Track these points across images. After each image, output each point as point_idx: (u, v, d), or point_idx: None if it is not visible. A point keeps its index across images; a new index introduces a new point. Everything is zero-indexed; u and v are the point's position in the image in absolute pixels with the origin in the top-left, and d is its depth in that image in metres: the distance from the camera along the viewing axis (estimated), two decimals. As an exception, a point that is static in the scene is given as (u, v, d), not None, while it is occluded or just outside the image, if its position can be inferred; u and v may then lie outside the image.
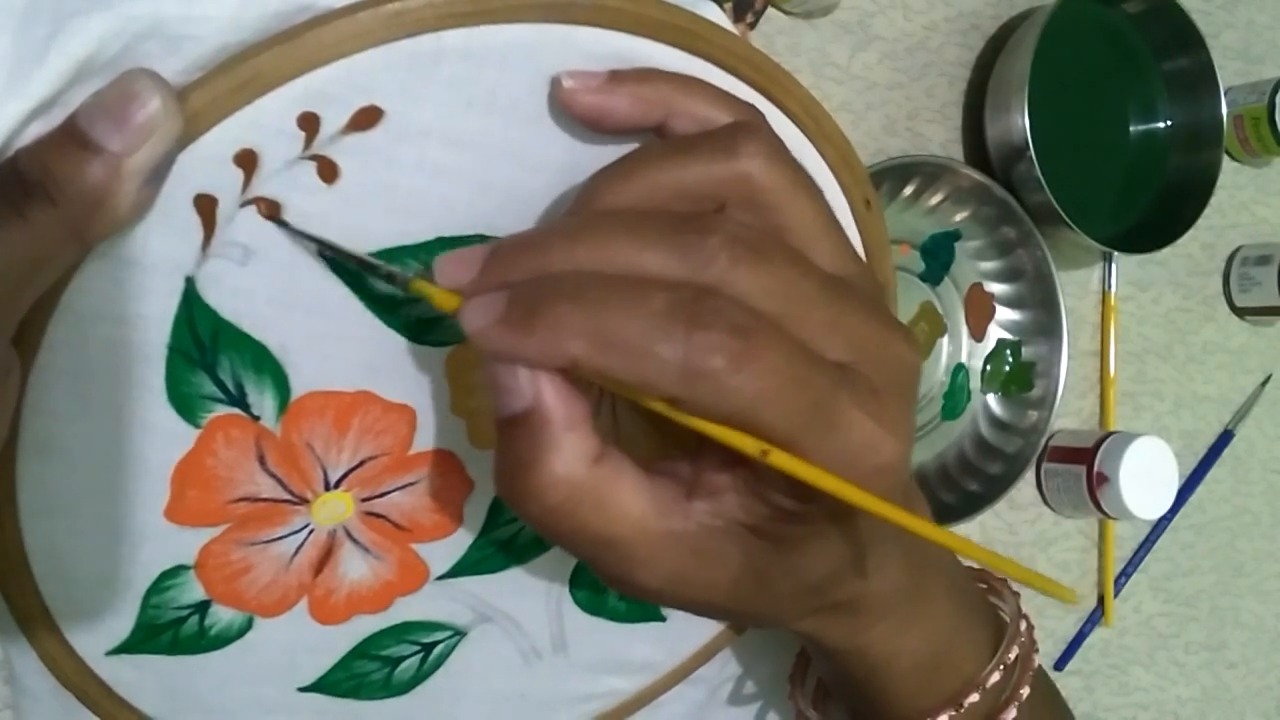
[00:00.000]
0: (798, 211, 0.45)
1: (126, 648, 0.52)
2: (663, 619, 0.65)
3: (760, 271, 0.40)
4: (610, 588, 0.47)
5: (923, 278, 1.04)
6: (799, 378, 0.39)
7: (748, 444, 0.40)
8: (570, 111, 0.47)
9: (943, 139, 1.05)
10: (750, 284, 0.40)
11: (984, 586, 0.64)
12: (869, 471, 0.41)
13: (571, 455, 0.41)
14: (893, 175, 0.97)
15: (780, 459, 0.40)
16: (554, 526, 0.42)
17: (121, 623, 0.51)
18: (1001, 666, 0.57)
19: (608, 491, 0.42)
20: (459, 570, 0.57)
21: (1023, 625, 0.59)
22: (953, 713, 0.56)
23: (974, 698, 0.56)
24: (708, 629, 0.67)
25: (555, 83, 0.46)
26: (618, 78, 0.47)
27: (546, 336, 0.39)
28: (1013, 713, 0.57)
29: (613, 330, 0.38)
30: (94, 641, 0.51)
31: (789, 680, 0.68)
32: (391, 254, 0.47)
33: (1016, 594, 0.62)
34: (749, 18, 0.92)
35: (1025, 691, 0.57)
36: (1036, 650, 0.59)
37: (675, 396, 0.39)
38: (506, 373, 0.41)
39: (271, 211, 0.45)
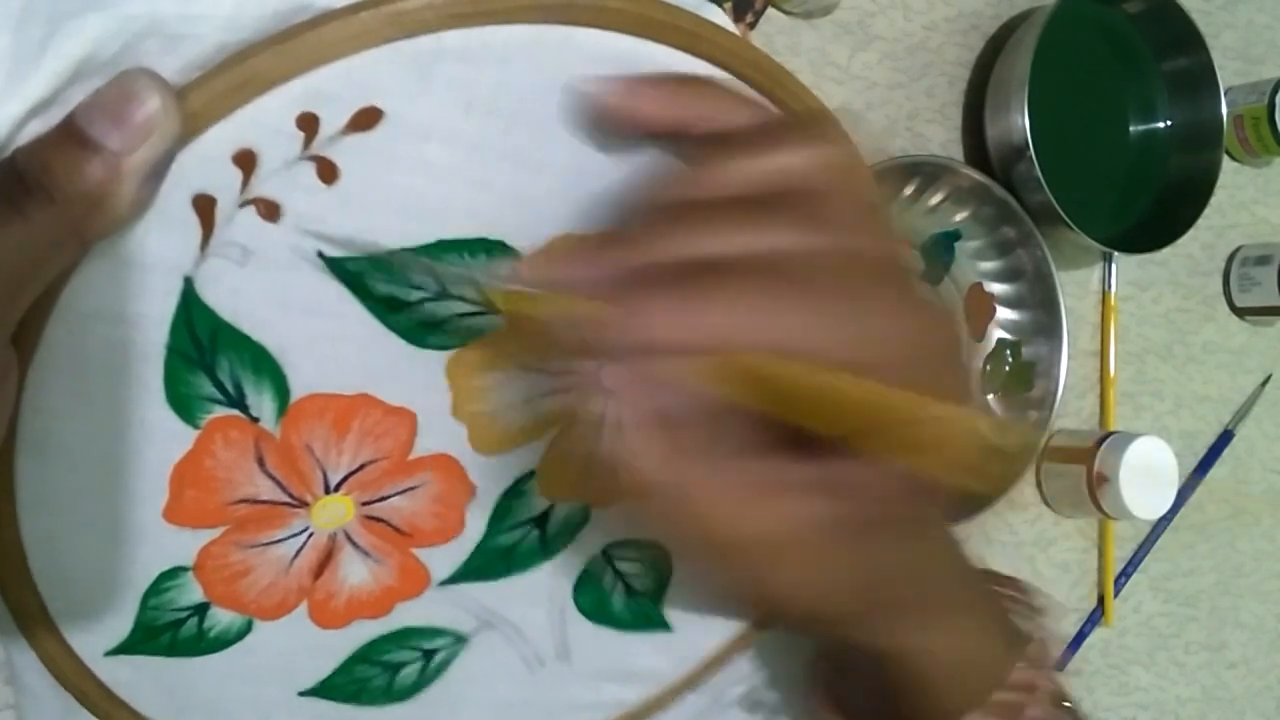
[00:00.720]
0: (871, 194, 0.46)
1: (125, 648, 0.52)
2: (668, 628, 0.65)
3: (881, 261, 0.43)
4: (730, 600, 0.48)
5: (923, 278, 1.03)
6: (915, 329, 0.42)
7: (914, 403, 0.41)
8: (591, 116, 0.46)
9: (943, 139, 1.05)
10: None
11: (996, 586, 0.64)
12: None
13: (713, 462, 0.42)
14: (892, 175, 0.96)
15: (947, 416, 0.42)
16: (686, 531, 0.43)
17: (120, 623, 0.51)
18: (1023, 664, 0.57)
19: (738, 497, 0.43)
20: (461, 576, 0.57)
21: (1039, 623, 0.60)
22: (980, 712, 0.56)
23: (1000, 695, 0.56)
24: (714, 638, 0.67)
25: (575, 88, 0.46)
26: (634, 80, 0.46)
27: (720, 320, 0.39)
28: (1035, 710, 0.57)
29: (785, 308, 0.39)
30: (93, 641, 0.51)
31: (805, 692, 0.67)
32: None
33: (1033, 590, 0.63)
34: (749, 18, 0.93)
35: (1046, 685, 0.57)
36: (1056, 646, 0.60)
37: (846, 361, 0.39)
38: (643, 370, 0.40)
39: (270, 213, 0.44)
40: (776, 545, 0.44)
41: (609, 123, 0.47)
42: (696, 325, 0.39)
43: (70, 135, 0.39)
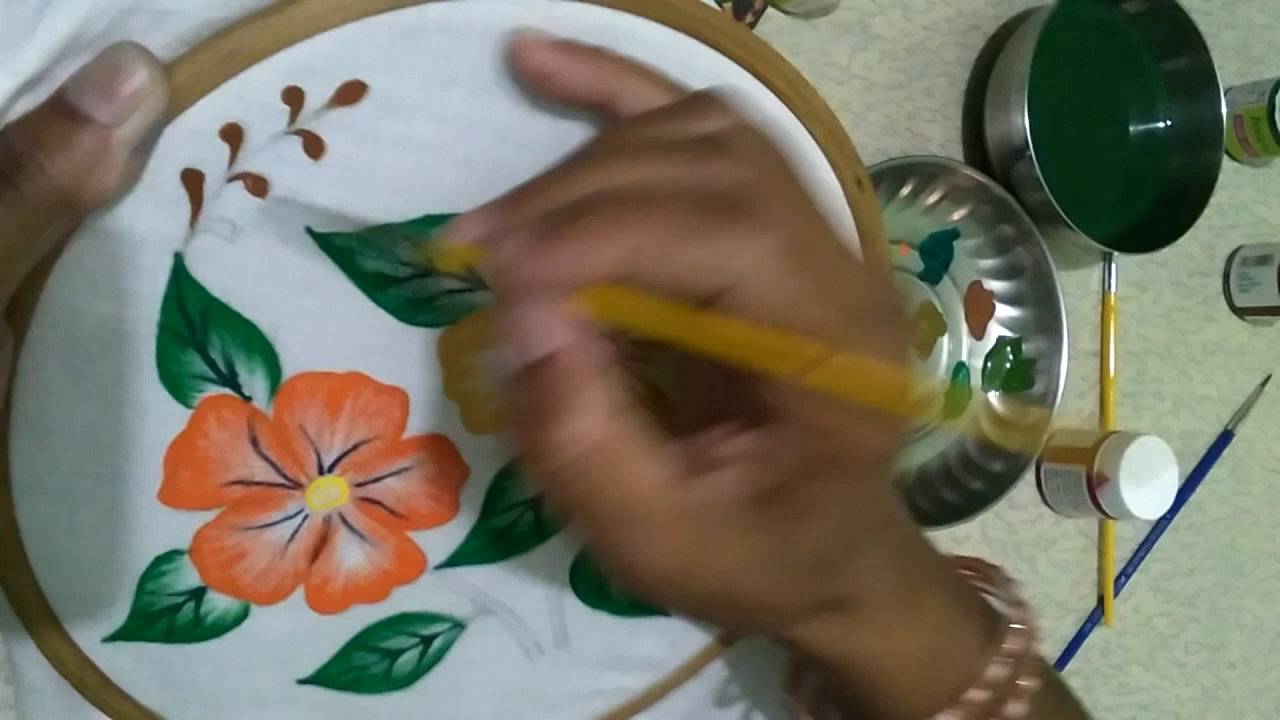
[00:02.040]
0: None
1: (122, 634, 0.52)
2: (666, 613, 0.64)
3: (784, 189, 0.41)
4: (615, 573, 0.46)
5: (922, 277, 1.04)
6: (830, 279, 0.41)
7: (805, 348, 0.39)
8: (520, 68, 0.46)
9: (942, 139, 1.05)
10: (771, 196, 0.40)
11: (970, 573, 0.63)
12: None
13: (595, 407, 0.40)
14: (891, 175, 0.97)
15: (824, 375, 0.39)
16: (566, 487, 0.41)
17: (117, 609, 0.51)
18: (1000, 659, 0.56)
19: (625, 453, 0.41)
20: (457, 559, 0.57)
21: (1020, 614, 0.58)
22: (953, 711, 0.55)
23: (973, 693, 0.55)
24: (713, 625, 0.67)
25: (507, 38, 0.46)
26: (570, 45, 0.46)
27: (576, 251, 0.38)
28: (1017, 707, 0.56)
29: (642, 234, 0.38)
30: (90, 628, 0.51)
31: (783, 688, 0.67)
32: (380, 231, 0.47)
33: (1012, 580, 0.61)
34: (749, 18, 0.93)
35: (1027, 683, 0.56)
36: (1038, 640, 0.58)
37: (715, 292, 0.38)
38: (531, 314, 0.40)
39: (258, 188, 0.45)
40: (660, 513, 0.42)
41: (532, 80, 0.47)
42: (564, 262, 0.38)
43: (60, 109, 0.39)
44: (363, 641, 0.57)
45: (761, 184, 0.40)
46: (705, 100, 0.44)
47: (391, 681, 0.59)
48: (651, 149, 0.41)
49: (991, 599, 0.61)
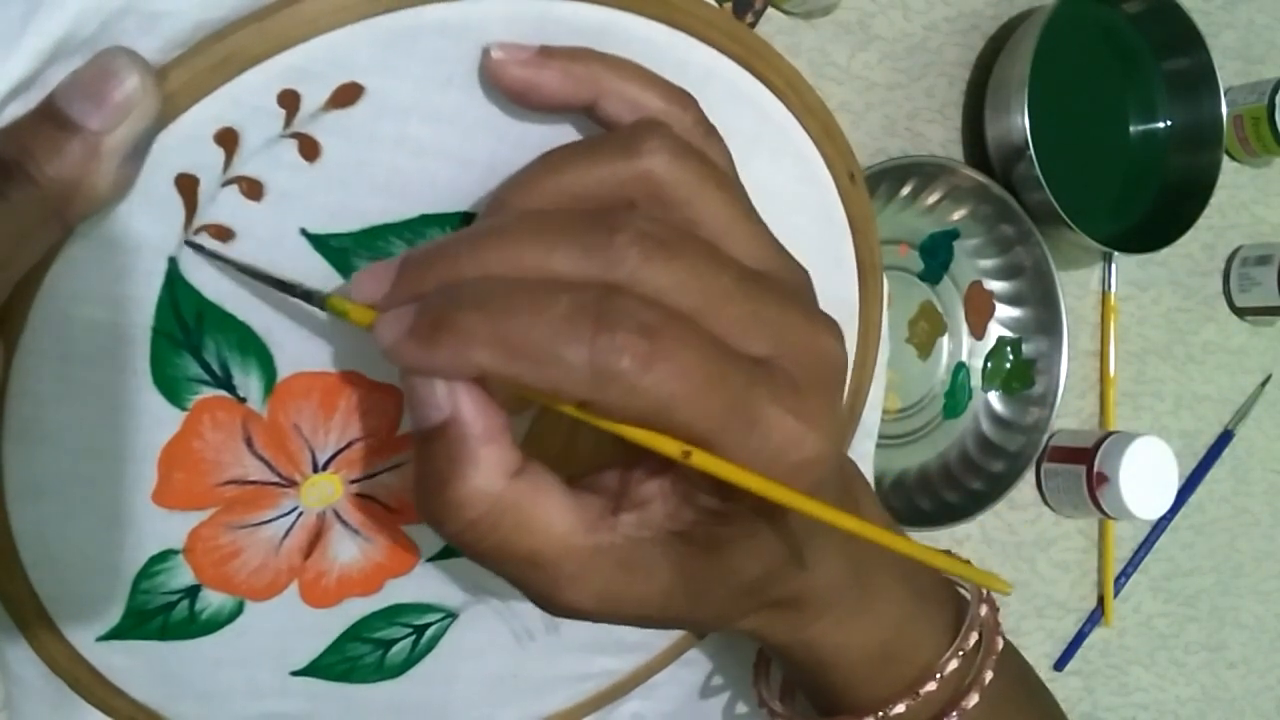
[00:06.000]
0: (707, 205, 0.44)
1: (117, 633, 0.52)
2: None
3: (672, 267, 0.40)
4: (541, 609, 0.47)
5: (922, 277, 1.04)
6: (713, 375, 0.39)
7: (668, 445, 0.39)
8: (498, 84, 0.46)
9: (943, 139, 1.05)
10: (662, 280, 0.40)
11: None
12: (790, 468, 0.41)
13: (490, 468, 0.41)
14: (890, 175, 0.97)
15: (701, 459, 0.39)
16: (476, 544, 0.42)
17: (111, 608, 0.51)
18: (960, 653, 0.57)
19: (530, 506, 0.42)
20: (449, 551, 0.57)
21: (983, 609, 0.58)
22: (910, 701, 0.56)
23: (931, 686, 0.56)
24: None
25: (485, 54, 0.45)
26: (548, 53, 0.45)
27: (453, 347, 0.39)
28: (974, 699, 0.56)
29: (517, 336, 0.38)
30: (84, 628, 0.51)
31: (753, 669, 0.67)
32: (376, 232, 0.47)
33: (965, 582, 0.62)
34: (749, 18, 0.93)
35: (989, 676, 0.56)
36: (1000, 632, 0.58)
37: (585, 400, 0.38)
38: (423, 385, 0.41)
39: (253, 191, 0.45)
40: (573, 557, 0.43)
41: (512, 95, 0.46)
42: (437, 358, 0.40)
43: (50, 116, 0.39)
44: (356, 633, 0.57)
45: (640, 280, 0.40)
46: (641, 133, 0.44)
47: (384, 671, 0.59)
48: (547, 227, 0.41)
49: (962, 590, 0.62)
